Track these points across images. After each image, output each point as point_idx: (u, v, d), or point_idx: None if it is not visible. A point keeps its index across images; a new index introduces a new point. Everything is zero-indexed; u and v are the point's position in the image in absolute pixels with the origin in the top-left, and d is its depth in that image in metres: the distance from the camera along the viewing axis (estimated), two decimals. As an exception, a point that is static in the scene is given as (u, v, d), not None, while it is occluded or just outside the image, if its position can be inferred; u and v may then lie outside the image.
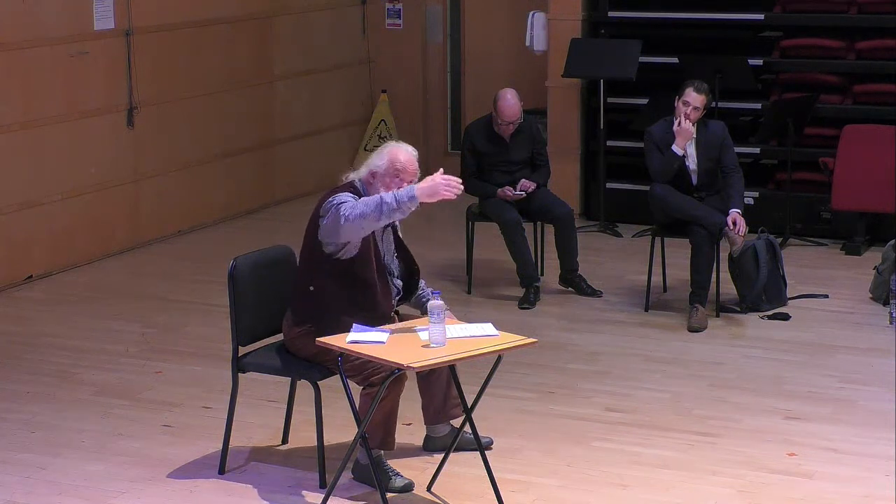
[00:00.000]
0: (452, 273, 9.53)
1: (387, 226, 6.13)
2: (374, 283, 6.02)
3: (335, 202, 5.91)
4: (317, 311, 6.03)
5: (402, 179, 5.97)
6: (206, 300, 8.93)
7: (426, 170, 14.23)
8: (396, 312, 6.28)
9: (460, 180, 5.77)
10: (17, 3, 9.25)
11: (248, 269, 6.19)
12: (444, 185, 5.73)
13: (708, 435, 6.67)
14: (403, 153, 6.03)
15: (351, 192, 6.01)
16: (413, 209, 5.78)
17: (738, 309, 8.66)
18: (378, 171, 6.01)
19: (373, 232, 6.03)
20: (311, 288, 6.05)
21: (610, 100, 10.95)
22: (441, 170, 5.83)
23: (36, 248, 9.52)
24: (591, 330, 8.39)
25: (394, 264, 6.21)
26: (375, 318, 5.99)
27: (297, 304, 6.14)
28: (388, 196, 5.78)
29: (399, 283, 6.22)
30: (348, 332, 5.78)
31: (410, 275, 6.27)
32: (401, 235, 6.30)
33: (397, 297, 6.22)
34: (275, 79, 11.74)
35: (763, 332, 8.34)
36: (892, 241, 8.85)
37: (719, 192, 8.58)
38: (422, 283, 6.36)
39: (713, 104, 9.43)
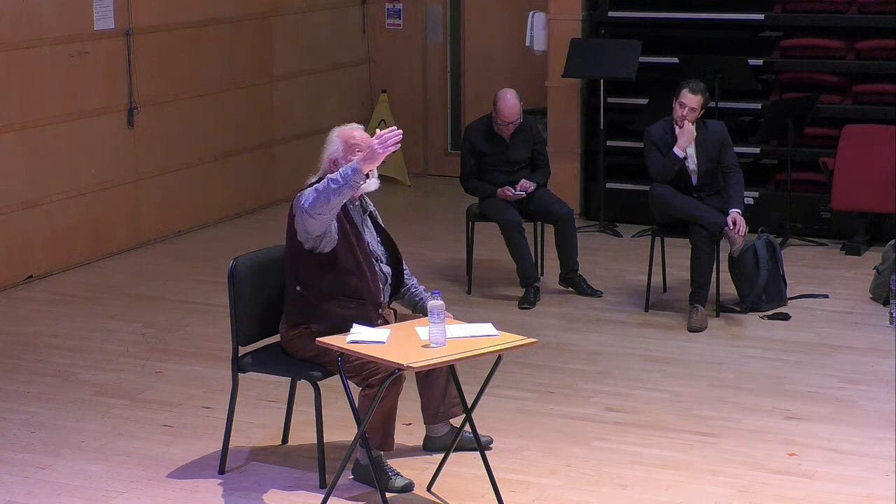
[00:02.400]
0: (452, 273, 9.53)
1: (365, 212, 6.17)
2: (360, 269, 6.02)
3: (300, 200, 5.93)
4: (308, 308, 6.04)
5: (361, 151, 5.99)
6: (206, 300, 8.93)
7: (426, 169, 14.20)
8: (394, 310, 6.28)
9: (396, 129, 5.78)
10: (17, 3, 9.25)
11: (248, 269, 6.19)
12: (379, 144, 5.75)
13: (708, 435, 6.67)
14: (354, 130, 6.11)
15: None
16: (362, 182, 5.83)
17: (738, 309, 8.66)
18: (335, 155, 6.07)
19: (351, 220, 6.04)
20: (298, 288, 6.06)
21: (610, 100, 10.95)
22: (377, 131, 5.88)
23: (36, 248, 9.53)
24: (591, 330, 8.39)
25: (380, 250, 6.21)
26: (367, 305, 6.00)
27: (288, 306, 6.14)
28: (333, 175, 5.83)
29: (388, 269, 6.21)
30: (343, 323, 5.79)
31: (396, 262, 6.26)
32: (381, 223, 6.29)
33: (386, 284, 6.21)
34: (275, 79, 11.74)
35: (763, 332, 8.33)
36: (892, 241, 8.85)
37: (719, 191, 8.58)
38: (413, 281, 6.34)
39: (713, 104, 9.43)
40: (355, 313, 5.94)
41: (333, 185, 5.80)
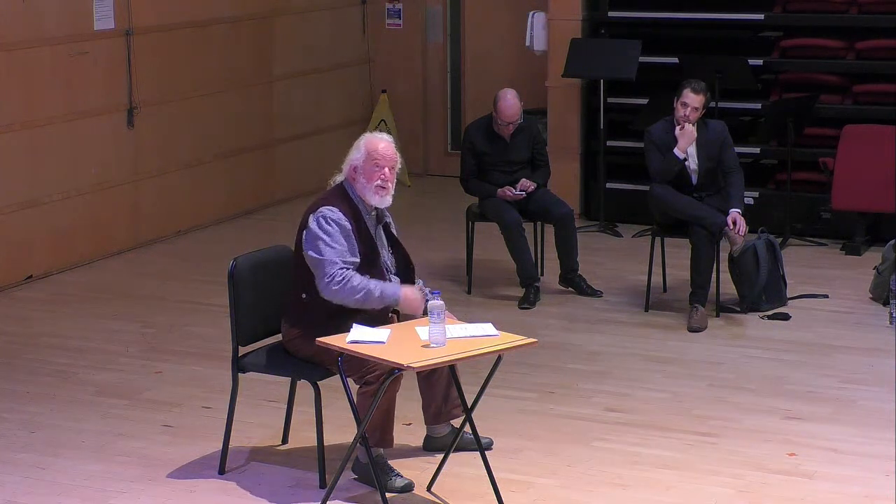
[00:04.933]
0: (452, 273, 9.53)
1: (379, 223, 6.19)
2: None
3: (315, 230, 5.96)
4: (312, 317, 6.02)
5: (381, 167, 6.04)
6: (206, 300, 8.93)
7: (426, 169, 14.22)
8: (396, 312, 6.28)
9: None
10: (17, 3, 9.25)
11: (248, 269, 6.19)
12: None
13: (708, 435, 6.67)
14: (380, 142, 6.10)
15: (339, 197, 6.05)
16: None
17: (738, 309, 8.65)
18: (357, 163, 6.08)
19: (368, 237, 6.05)
20: (304, 296, 6.05)
21: (610, 100, 10.95)
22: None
23: (36, 248, 9.53)
24: (591, 330, 8.39)
25: (390, 260, 6.21)
26: (373, 318, 5.99)
27: (291, 311, 6.13)
28: (376, 291, 5.91)
29: (396, 279, 6.21)
30: (347, 332, 5.78)
31: (407, 270, 6.26)
32: (394, 232, 6.30)
33: None
34: (275, 79, 11.74)
35: (763, 332, 8.33)
36: (892, 241, 8.85)
37: (719, 191, 8.58)
38: (420, 283, 6.34)
39: (713, 104, 9.43)
40: (362, 324, 5.92)
41: (370, 303, 5.91)
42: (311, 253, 5.97)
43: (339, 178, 6.17)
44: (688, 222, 8.45)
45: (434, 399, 6.32)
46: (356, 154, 6.10)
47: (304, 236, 6.02)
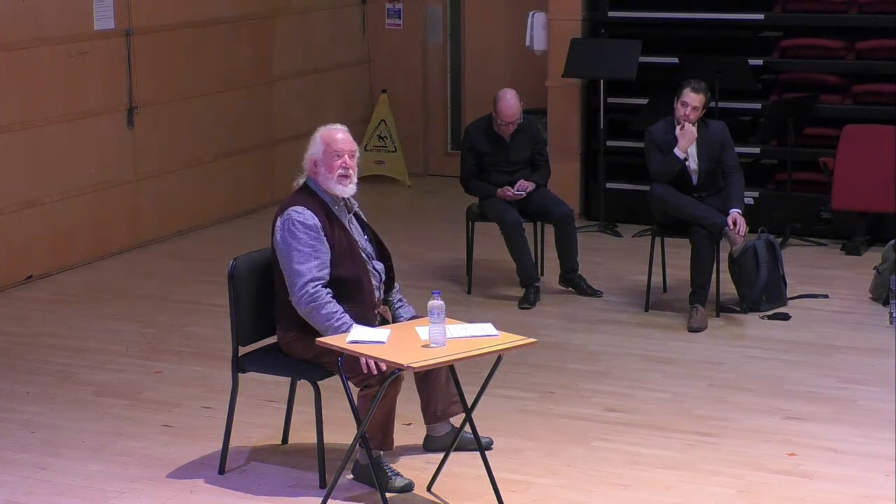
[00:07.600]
0: (452, 273, 9.52)
1: (349, 212, 6.19)
2: (355, 275, 6.03)
3: (284, 235, 5.96)
4: (300, 317, 6.02)
5: (341, 156, 6.04)
6: (206, 300, 8.93)
7: (426, 169, 14.19)
8: (387, 303, 6.27)
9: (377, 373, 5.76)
10: (17, 3, 9.25)
11: (248, 269, 6.19)
12: (371, 368, 5.72)
13: (708, 435, 6.67)
14: (337, 132, 6.11)
15: (305, 196, 6.07)
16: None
17: (738, 309, 8.65)
18: (316, 157, 6.08)
19: (342, 226, 6.06)
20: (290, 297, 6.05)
21: (610, 100, 10.95)
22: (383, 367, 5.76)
23: (36, 248, 9.53)
24: (591, 330, 8.39)
25: (369, 248, 6.22)
26: (363, 307, 6.01)
27: (280, 314, 6.12)
28: (331, 323, 5.85)
29: (379, 265, 6.20)
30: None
31: (385, 258, 6.27)
32: (366, 220, 6.30)
33: (381, 282, 6.20)
34: (275, 79, 11.74)
35: (763, 332, 8.33)
36: (892, 241, 8.85)
37: (720, 191, 8.58)
38: (397, 286, 6.33)
39: (713, 104, 9.43)
40: (352, 316, 5.93)
41: (326, 333, 5.84)
42: (282, 259, 5.98)
43: (301, 180, 6.17)
44: (688, 222, 8.45)
45: (433, 398, 6.32)
46: (314, 148, 6.10)
47: (274, 241, 6.03)
